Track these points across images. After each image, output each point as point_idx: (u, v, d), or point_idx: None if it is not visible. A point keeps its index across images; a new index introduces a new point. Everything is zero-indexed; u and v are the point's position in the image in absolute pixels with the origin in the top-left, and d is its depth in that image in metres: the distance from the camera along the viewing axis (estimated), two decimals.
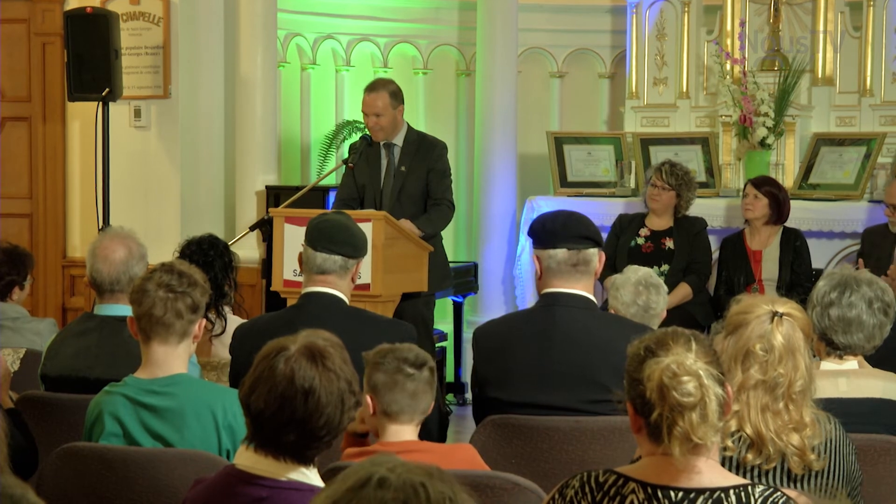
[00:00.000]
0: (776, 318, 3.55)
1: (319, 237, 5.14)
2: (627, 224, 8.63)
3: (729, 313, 3.66)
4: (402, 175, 7.77)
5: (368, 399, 4.03)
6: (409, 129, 7.92)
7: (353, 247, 5.15)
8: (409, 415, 4.02)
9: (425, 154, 7.86)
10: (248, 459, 3.21)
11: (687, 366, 2.88)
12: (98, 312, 5.14)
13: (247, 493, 3.18)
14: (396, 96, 7.77)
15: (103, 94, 8.27)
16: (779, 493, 2.93)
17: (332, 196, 8.68)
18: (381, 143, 7.80)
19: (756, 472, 3.49)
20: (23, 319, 6.16)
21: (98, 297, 5.20)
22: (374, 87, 7.81)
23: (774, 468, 3.52)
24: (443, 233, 7.87)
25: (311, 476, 3.20)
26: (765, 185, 8.47)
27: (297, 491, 3.16)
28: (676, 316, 5.64)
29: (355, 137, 9.42)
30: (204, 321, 4.38)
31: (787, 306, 3.60)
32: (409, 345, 4.20)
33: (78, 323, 5.25)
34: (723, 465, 3.15)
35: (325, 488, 2.17)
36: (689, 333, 2.98)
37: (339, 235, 5.15)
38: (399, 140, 7.82)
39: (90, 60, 8.27)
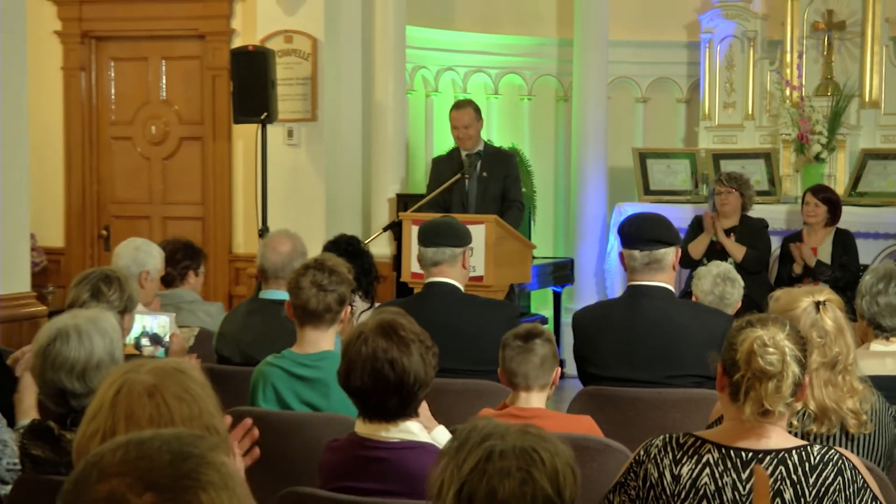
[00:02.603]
0: (820, 306, 3.52)
1: (428, 236, 5.21)
2: (702, 222, 8.59)
3: (771, 310, 3.57)
4: (484, 180, 7.97)
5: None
6: (485, 142, 8.20)
7: (457, 238, 5.20)
8: (534, 383, 3.99)
9: (503, 162, 8.13)
10: (364, 428, 3.25)
11: (777, 340, 2.84)
12: (262, 296, 5.24)
13: (368, 456, 3.22)
14: (478, 112, 8.12)
15: (262, 117, 8.35)
16: (833, 450, 2.90)
17: None
18: (465, 154, 7.98)
19: (819, 441, 3.45)
20: (196, 303, 6.24)
21: (263, 283, 5.29)
22: (460, 105, 8.17)
23: (835, 434, 3.49)
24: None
25: (417, 433, 3.23)
26: (822, 192, 8.38)
27: (410, 449, 3.20)
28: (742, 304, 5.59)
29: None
30: (349, 308, 4.42)
31: (823, 294, 3.57)
32: (529, 323, 4.21)
33: (246, 304, 5.37)
34: None
35: (444, 465, 2.15)
36: (787, 320, 2.96)
37: (443, 232, 5.21)
38: (480, 150, 7.98)
39: (251, 89, 8.34)
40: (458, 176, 7.92)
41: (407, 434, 3.21)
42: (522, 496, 2.09)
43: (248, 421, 2.84)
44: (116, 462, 1.64)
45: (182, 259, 6.28)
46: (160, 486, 1.61)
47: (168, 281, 6.22)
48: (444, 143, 10.16)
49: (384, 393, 3.17)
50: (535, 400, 4.00)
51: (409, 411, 3.22)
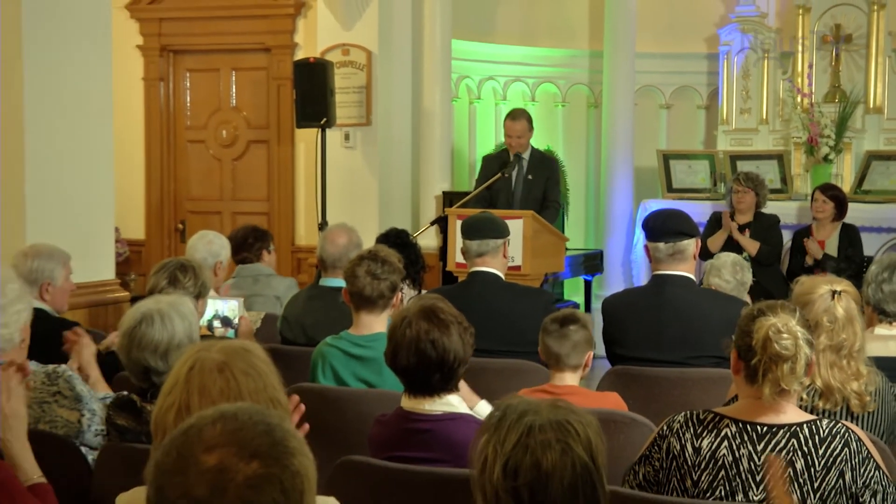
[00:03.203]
0: (836, 295, 3.49)
1: (471, 230, 5.21)
2: (720, 219, 8.54)
3: (794, 293, 3.59)
4: (529, 182, 8.00)
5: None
6: (532, 146, 8.16)
7: (497, 231, 5.19)
8: (567, 364, 3.99)
9: (545, 166, 8.14)
10: (409, 403, 3.26)
11: (789, 326, 2.83)
12: (322, 284, 5.25)
13: (414, 428, 3.23)
14: (531, 122, 8.10)
15: (322, 122, 8.37)
16: (840, 424, 2.89)
17: None
18: (512, 155, 8.01)
19: (825, 415, 3.43)
20: (272, 276, 6.30)
21: (323, 272, 5.30)
22: (515, 115, 8.09)
23: (840, 410, 3.46)
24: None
25: (457, 405, 3.24)
26: (829, 190, 8.32)
27: (451, 420, 3.21)
28: (754, 290, 5.57)
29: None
30: (401, 294, 4.42)
31: (841, 284, 3.54)
32: (568, 309, 4.20)
33: (307, 291, 5.39)
34: None
35: (485, 442, 2.15)
36: (794, 306, 2.94)
37: (484, 226, 5.20)
38: (526, 155, 8.06)
39: (312, 97, 8.36)
40: (499, 174, 7.92)
41: (448, 406, 3.22)
42: (564, 465, 2.09)
43: (295, 398, 2.85)
44: (218, 434, 1.65)
45: (254, 242, 6.38)
46: (263, 455, 1.63)
47: (245, 262, 6.30)
48: (486, 145, 10.17)
49: (427, 370, 3.19)
50: (569, 379, 4.01)
51: (450, 386, 3.23)
